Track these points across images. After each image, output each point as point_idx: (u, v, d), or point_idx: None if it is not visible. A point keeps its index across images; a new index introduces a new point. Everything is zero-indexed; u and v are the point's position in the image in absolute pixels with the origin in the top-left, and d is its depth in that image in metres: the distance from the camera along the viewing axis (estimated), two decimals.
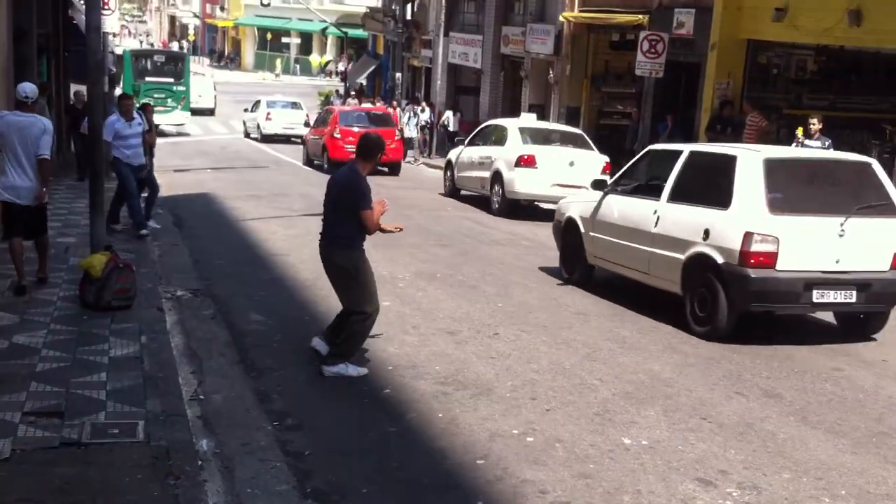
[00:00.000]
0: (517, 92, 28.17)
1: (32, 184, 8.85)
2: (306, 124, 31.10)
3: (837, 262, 8.71)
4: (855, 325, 9.44)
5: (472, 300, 10.22)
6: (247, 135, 37.00)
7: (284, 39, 73.26)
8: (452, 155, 20.39)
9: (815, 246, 8.68)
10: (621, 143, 22.22)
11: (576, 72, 24.54)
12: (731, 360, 8.31)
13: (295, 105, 36.68)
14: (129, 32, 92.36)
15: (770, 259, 8.55)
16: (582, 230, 11.04)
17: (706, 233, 8.96)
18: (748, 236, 8.56)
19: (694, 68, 19.46)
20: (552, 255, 13.11)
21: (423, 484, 5.63)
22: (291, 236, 13.71)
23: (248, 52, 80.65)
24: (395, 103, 32.44)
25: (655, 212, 9.69)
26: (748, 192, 8.76)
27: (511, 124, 18.91)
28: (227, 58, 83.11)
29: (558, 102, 25.12)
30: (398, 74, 38.93)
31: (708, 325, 8.92)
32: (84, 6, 13.05)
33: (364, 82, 46.20)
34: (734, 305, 8.74)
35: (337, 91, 45.96)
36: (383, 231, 7.65)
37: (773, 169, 8.88)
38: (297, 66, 73.32)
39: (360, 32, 51.05)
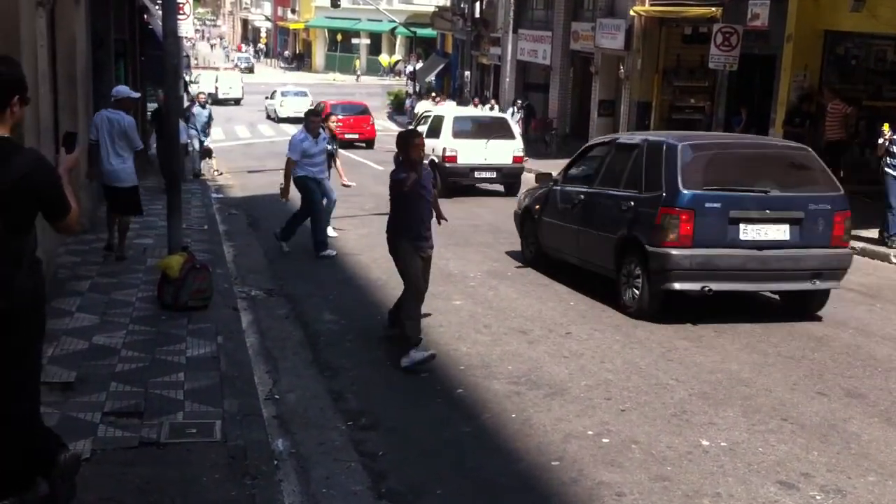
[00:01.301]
0: (587, 88, 27.94)
1: (118, 167, 10.58)
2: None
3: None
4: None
5: (543, 299, 10.15)
6: (268, 116, 45.19)
7: (354, 40, 73.90)
8: None
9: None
10: None
11: (647, 66, 24.25)
12: (811, 359, 8.11)
13: (303, 94, 44.24)
14: (203, 36, 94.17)
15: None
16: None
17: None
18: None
19: (769, 60, 19.08)
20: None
21: (498, 485, 5.59)
22: (363, 235, 13.79)
23: (319, 54, 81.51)
24: (476, 100, 32.39)
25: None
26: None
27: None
28: (294, 58, 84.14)
29: (629, 98, 24.84)
30: (467, 73, 38.94)
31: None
32: (160, 12, 13.28)
33: (433, 81, 46.31)
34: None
35: (407, 92, 46.15)
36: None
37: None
38: (366, 66, 73.78)
39: (428, 31, 51.22)
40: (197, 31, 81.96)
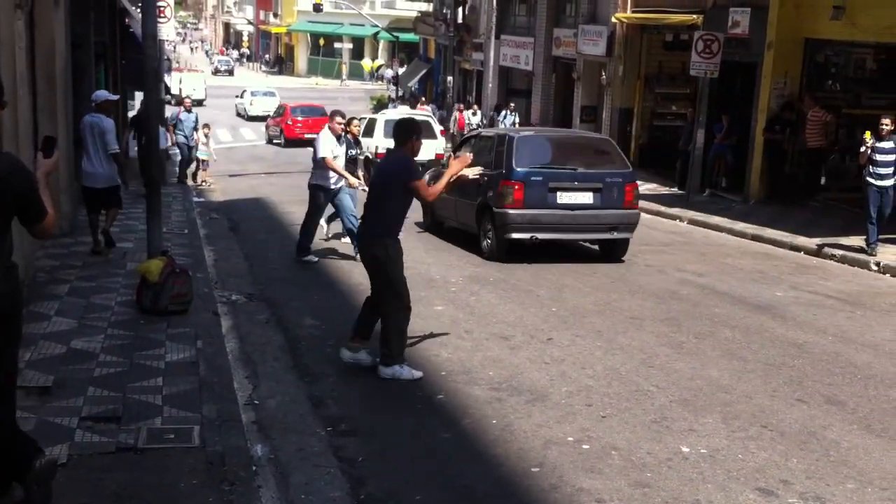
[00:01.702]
0: (569, 94, 27.98)
1: (101, 171, 10.99)
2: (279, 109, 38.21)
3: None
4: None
5: (525, 304, 10.15)
6: (238, 115, 46.66)
7: (336, 45, 73.78)
8: None
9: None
10: (675, 144, 21.97)
11: (629, 73, 24.32)
12: (791, 366, 8.14)
13: (271, 94, 45.83)
14: (184, 39, 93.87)
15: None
16: None
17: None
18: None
19: (750, 68, 19.17)
20: (608, 258, 13.03)
21: (478, 491, 5.57)
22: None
23: (301, 58, 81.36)
24: (461, 106, 32.33)
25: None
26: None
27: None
28: (275, 62, 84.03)
29: (611, 104, 24.91)
30: (449, 78, 38.96)
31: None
32: (140, 15, 13.21)
33: (416, 86, 46.31)
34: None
35: (390, 97, 46.13)
36: (453, 183, 7.83)
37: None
38: (349, 71, 73.72)
39: (411, 37, 51.26)
40: (178, 34, 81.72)
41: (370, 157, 21.34)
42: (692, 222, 17.15)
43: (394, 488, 5.56)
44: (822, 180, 18.78)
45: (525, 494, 5.53)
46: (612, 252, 12.96)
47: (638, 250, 13.89)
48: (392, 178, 7.49)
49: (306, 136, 32.07)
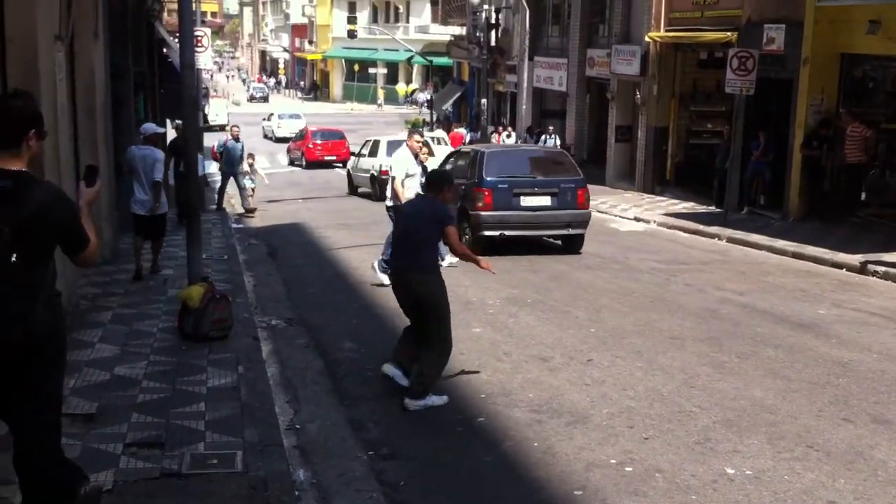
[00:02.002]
0: (604, 114, 27.94)
1: (147, 199, 11.48)
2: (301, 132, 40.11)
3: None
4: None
5: (563, 326, 10.10)
6: (265, 136, 48.94)
7: (371, 70, 74.33)
8: None
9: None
10: (711, 163, 21.84)
11: (663, 92, 24.23)
12: (836, 385, 8.02)
13: (297, 116, 48.71)
14: (220, 68, 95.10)
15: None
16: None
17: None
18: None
19: (786, 84, 19.02)
20: (646, 277, 12.97)
21: None
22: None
23: (337, 84, 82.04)
24: (499, 129, 32.42)
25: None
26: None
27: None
28: (310, 88, 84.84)
29: (646, 123, 24.83)
30: (483, 100, 39.04)
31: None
32: (178, 44, 13.38)
33: (450, 109, 46.47)
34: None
35: (424, 120, 46.33)
36: (467, 257, 7.91)
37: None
38: (383, 96, 74.22)
39: (445, 60, 51.48)
40: (215, 62, 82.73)
41: (375, 174, 23.92)
42: (731, 240, 17.00)
43: None
44: (863, 196, 18.56)
45: None
46: (571, 245, 15.40)
47: (677, 269, 13.82)
48: (432, 223, 7.52)
49: (325, 157, 36.43)
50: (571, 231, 15.10)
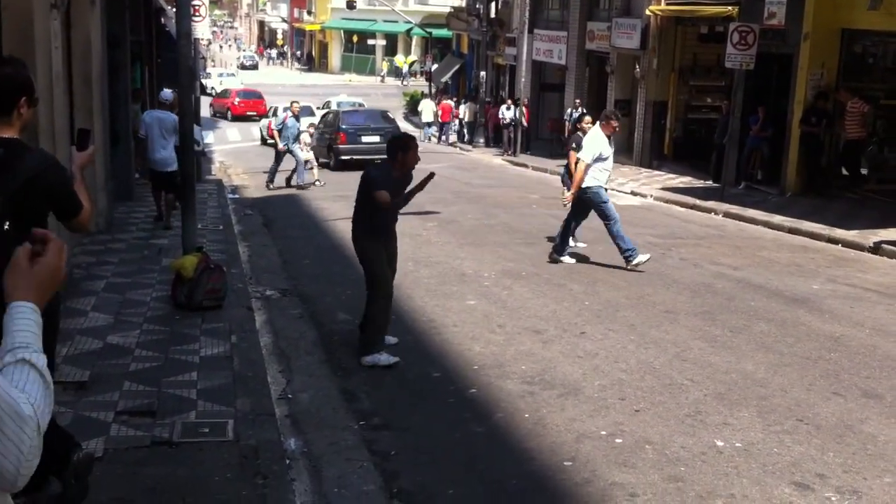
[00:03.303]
0: (603, 88, 27.82)
1: (168, 155, 13.03)
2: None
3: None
4: None
5: (558, 299, 10.11)
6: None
7: (370, 42, 73.92)
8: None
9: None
10: (710, 137, 21.79)
11: (663, 66, 24.13)
12: (827, 359, 8.04)
13: (231, 75, 56.28)
14: (219, 38, 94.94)
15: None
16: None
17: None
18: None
19: (786, 59, 18.95)
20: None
21: (510, 485, 5.57)
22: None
23: (335, 55, 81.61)
24: (509, 101, 31.71)
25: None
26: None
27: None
28: (305, 58, 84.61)
29: (645, 97, 24.74)
30: (482, 73, 38.86)
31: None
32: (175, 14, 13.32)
33: (449, 81, 46.27)
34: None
35: (422, 92, 46.16)
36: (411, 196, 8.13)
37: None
38: (383, 67, 73.90)
39: (444, 32, 51.18)
40: (213, 32, 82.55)
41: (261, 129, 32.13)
42: (727, 215, 16.99)
43: (426, 482, 5.57)
44: (864, 171, 18.54)
45: (557, 488, 5.52)
46: None
47: (673, 244, 13.83)
48: (363, 184, 7.88)
49: (248, 113, 44.84)
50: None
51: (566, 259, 12.03)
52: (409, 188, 8.02)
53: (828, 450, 6.06)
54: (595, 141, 11.58)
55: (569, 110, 26.80)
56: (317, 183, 21.15)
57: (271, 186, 20.68)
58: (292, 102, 22.34)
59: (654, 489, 5.46)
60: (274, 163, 21.12)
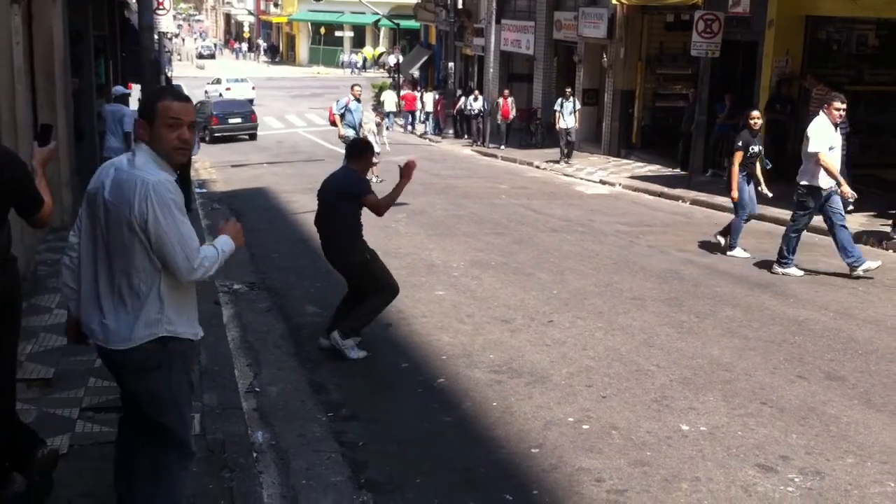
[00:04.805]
0: (571, 77, 27.89)
1: (118, 146, 13.31)
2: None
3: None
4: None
5: (526, 288, 10.15)
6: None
7: (338, 33, 73.64)
8: None
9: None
10: (677, 125, 21.91)
11: (630, 55, 24.23)
12: (792, 342, 8.14)
13: (243, 80, 50.37)
14: (185, 31, 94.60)
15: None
16: None
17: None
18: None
19: (751, 47, 19.08)
20: (610, 240, 13.04)
21: (478, 473, 5.60)
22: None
23: (303, 48, 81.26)
24: (506, 93, 30.74)
25: None
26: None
27: None
28: (271, 50, 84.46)
29: (613, 86, 24.84)
30: (451, 64, 38.85)
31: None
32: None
33: (417, 73, 46.21)
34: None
35: (384, 82, 46.08)
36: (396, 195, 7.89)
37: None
38: (357, 60, 73.65)
39: (412, 23, 51.10)
40: (179, 26, 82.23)
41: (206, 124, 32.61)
42: (695, 202, 17.12)
43: (395, 472, 5.59)
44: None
45: (525, 475, 5.55)
46: (252, 138, 33.00)
47: (641, 231, 13.91)
48: (345, 194, 7.71)
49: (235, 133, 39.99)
50: (248, 132, 33.58)
51: (794, 271, 10.83)
52: (396, 186, 7.87)
53: (791, 432, 6.14)
54: (824, 131, 10.43)
55: (559, 100, 24.35)
56: (374, 179, 19.45)
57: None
58: (353, 86, 20.80)
59: (620, 474, 5.51)
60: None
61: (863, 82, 18.66)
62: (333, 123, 19.63)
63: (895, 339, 8.30)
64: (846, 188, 10.56)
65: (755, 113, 11.88)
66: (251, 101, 41.65)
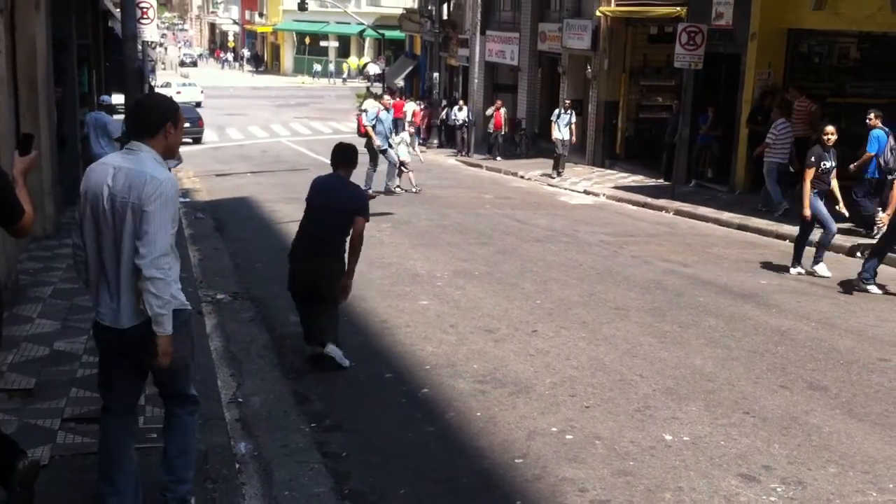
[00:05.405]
0: (555, 88, 27.99)
1: (101, 152, 13.85)
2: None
3: None
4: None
5: (510, 298, 10.16)
6: None
7: (322, 43, 73.68)
8: None
9: None
10: (661, 136, 22.01)
11: (614, 66, 24.35)
12: (774, 352, 8.18)
13: (192, 84, 52.36)
14: (163, 39, 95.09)
15: None
16: None
17: None
18: None
19: (734, 59, 19.21)
20: (594, 250, 13.08)
21: (462, 484, 5.59)
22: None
23: (288, 57, 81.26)
24: (499, 102, 30.65)
25: None
26: None
27: None
28: (254, 59, 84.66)
29: (597, 97, 24.94)
30: (435, 74, 38.93)
31: None
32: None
33: (402, 83, 46.29)
34: None
35: (375, 94, 46.11)
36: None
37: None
38: (335, 70, 73.69)
39: (397, 34, 51.19)
40: (163, 35, 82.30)
41: None
42: (678, 213, 17.20)
43: (378, 482, 5.57)
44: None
45: (508, 485, 5.55)
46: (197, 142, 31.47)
47: (624, 241, 13.95)
48: (354, 211, 7.55)
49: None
50: (193, 136, 33.16)
51: (872, 289, 10.70)
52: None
53: (773, 442, 6.16)
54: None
55: (556, 111, 23.77)
56: (413, 189, 19.40)
57: (372, 192, 17.96)
58: (383, 95, 20.39)
59: (603, 484, 5.51)
60: (370, 165, 18.96)
61: (844, 94, 18.80)
62: (362, 134, 19.38)
63: (876, 350, 8.35)
64: (884, 216, 11.52)
65: (830, 128, 11.43)
66: (199, 105, 44.70)
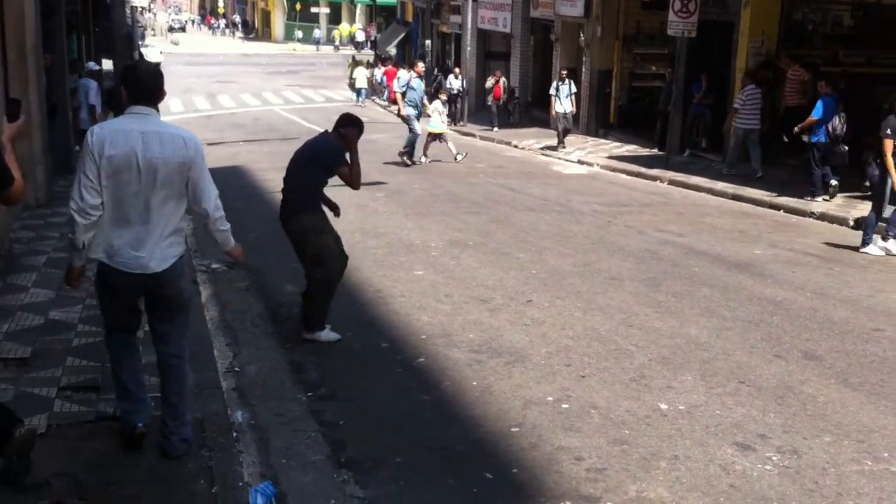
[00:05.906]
0: (548, 56, 27.83)
1: (85, 116, 15.46)
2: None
3: None
4: None
5: (505, 267, 10.16)
6: None
7: (314, 10, 73.06)
8: None
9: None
10: (655, 105, 21.94)
11: (607, 34, 24.20)
12: (769, 322, 8.20)
13: (150, 45, 49.72)
14: (163, 6, 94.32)
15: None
16: None
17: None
18: None
19: (727, 27, 19.11)
20: (588, 220, 13.07)
21: (457, 452, 5.61)
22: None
23: (278, 24, 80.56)
24: (497, 73, 30.17)
25: None
26: None
27: None
28: (243, 25, 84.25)
29: (590, 65, 24.81)
30: (427, 41, 38.68)
31: None
32: None
33: (394, 50, 46.00)
34: None
35: (368, 61, 45.84)
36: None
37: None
38: (325, 37, 73.14)
39: (389, 0, 50.79)
40: (152, 0, 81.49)
41: None
42: (672, 183, 17.17)
43: (374, 451, 5.58)
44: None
45: (504, 454, 5.57)
46: None
47: (618, 211, 13.95)
48: (317, 162, 7.51)
49: None
50: None
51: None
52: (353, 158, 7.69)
53: (769, 411, 6.19)
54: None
55: (554, 83, 22.69)
56: (458, 157, 18.89)
57: (412, 161, 18.17)
58: (417, 62, 19.94)
59: (599, 452, 5.54)
60: (410, 133, 18.61)
61: (837, 63, 18.73)
62: (393, 101, 18.88)
63: (871, 320, 8.38)
64: None
65: None
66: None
